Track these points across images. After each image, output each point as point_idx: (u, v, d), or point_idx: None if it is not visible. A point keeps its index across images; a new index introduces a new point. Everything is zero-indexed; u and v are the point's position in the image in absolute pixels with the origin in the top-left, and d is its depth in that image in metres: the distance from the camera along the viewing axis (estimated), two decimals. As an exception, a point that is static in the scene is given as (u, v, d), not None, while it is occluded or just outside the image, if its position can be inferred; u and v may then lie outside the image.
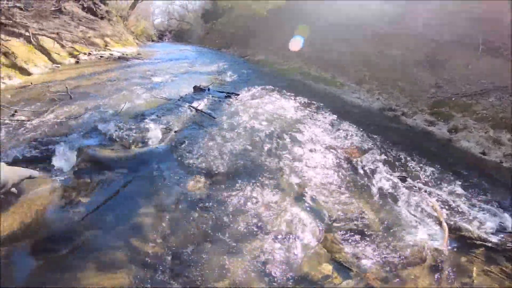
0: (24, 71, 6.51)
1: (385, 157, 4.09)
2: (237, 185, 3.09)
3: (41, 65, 7.14)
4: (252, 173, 3.33)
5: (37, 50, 7.50)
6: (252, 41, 14.75)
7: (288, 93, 6.69)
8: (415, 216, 2.95)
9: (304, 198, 3.02)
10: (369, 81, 7.80)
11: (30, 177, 2.52)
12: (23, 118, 4.08)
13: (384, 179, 3.53)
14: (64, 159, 3.27)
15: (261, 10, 15.58)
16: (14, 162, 3.07)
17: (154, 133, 4.06)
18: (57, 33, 8.98)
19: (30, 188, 2.65)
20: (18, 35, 7.49)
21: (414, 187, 3.43)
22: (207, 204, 2.75)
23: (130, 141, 3.81)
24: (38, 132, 3.68)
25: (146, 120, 4.38)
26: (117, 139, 3.79)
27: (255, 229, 2.51)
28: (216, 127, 4.40)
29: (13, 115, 4.16)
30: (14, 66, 6.49)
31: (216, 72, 9.27)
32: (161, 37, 23.53)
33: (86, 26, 11.75)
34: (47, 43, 8.16)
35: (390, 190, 3.32)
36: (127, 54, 10.84)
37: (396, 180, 3.53)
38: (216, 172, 3.28)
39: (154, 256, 2.12)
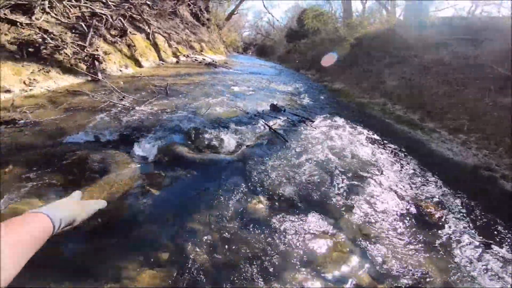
0: (137, 63, 7.74)
1: (469, 219, 3.36)
2: (297, 214, 2.90)
3: (151, 60, 8.38)
4: (315, 206, 3.10)
5: (151, 46, 8.88)
6: (332, 68, 14.48)
7: (365, 130, 6.19)
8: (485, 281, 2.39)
9: (361, 242, 2.68)
10: (467, 131, 6.62)
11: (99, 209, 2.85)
12: (127, 104, 4.76)
13: (460, 241, 2.92)
14: (147, 149, 3.65)
15: (348, 37, 15.25)
16: (107, 142, 3.57)
17: (228, 142, 4.21)
18: (169, 34, 10.48)
19: (114, 169, 3.00)
20: (141, 31, 9.00)
21: (497, 255, 2.74)
22: (263, 226, 2.63)
23: (205, 145, 4.03)
24: (134, 119, 4.23)
25: (223, 128, 4.60)
26: (195, 141, 4.05)
27: (303, 262, 2.32)
28: (287, 151, 4.31)
29: (121, 99, 4.91)
30: (131, 57, 7.79)
31: (292, 93, 9.34)
32: (245, 49, 25.31)
33: (190, 30, 13.46)
34: (159, 41, 9.58)
35: (465, 253, 2.72)
36: (216, 62, 11.90)
37: (476, 243, 2.88)
38: (279, 196, 3.15)
39: (198, 264, 2.09)
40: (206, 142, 4.11)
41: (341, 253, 2.50)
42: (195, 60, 10.83)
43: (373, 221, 3.07)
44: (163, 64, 8.72)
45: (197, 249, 2.23)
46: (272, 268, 2.21)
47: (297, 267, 2.27)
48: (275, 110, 6.40)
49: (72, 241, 2.10)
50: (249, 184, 3.30)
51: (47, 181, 2.63)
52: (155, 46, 9.19)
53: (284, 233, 2.60)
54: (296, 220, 2.81)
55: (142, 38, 8.79)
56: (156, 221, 2.48)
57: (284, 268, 2.23)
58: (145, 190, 2.83)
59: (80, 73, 5.96)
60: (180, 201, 2.81)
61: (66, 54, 5.92)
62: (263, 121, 5.40)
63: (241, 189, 3.19)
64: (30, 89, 4.91)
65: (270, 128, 5.12)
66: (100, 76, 5.92)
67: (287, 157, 4.09)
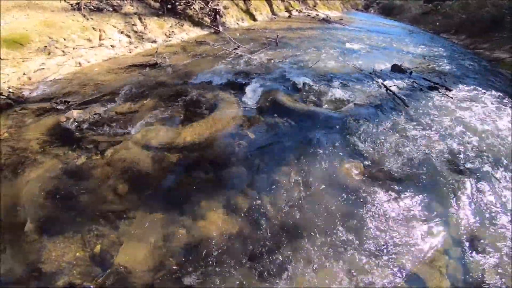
0: (252, 17, 7.94)
1: None
2: (396, 192, 2.38)
3: (264, 14, 8.42)
4: (420, 189, 2.46)
5: (265, 1, 8.86)
6: (494, 34, 10.43)
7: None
8: None
9: (466, 244, 2.01)
10: None
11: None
12: (240, 53, 4.99)
13: None
14: (252, 93, 3.75)
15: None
16: (220, 85, 3.86)
17: (333, 97, 3.82)
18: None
19: (221, 109, 3.25)
20: (257, -13, 9.02)
21: None
22: (351, 195, 2.30)
23: (309, 96, 3.80)
24: (245, 66, 4.41)
25: (330, 83, 4.18)
26: (299, 91, 3.87)
27: (383, 252, 1.92)
28: (403, 118, 3.53)
29: (235, 48, 5.19)
30: (247, 11, 8.04)
31: (426, 56, 7.44)
32: (366, 7, 21.71)
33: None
34: (274, -5, 9.40)
35: None
36: (330, 17, 10.79)
37: None
38: (380, 167, 2.65)
39: (271, 223, 2.02)
40: (310, 94, 3.86)
41: (432, 253, 1.94)
42: (308, 15, 10.16)
43: (489, 223, 2.20)
44: (275, 18, 8.62)
45: (275, 205, 2.16)
46: (344, 248, 1.90)
47: (372, 257, 1.85)
48: (398, 71, 5.29)
49: (173, 173, 2.39)
50: (348, 145, 2.92)
51: (169, 112, 3.13)
52: (268, 0, 9.09)
53: (372, 210, 2.19)
54: (392, 198, 2.31)
55: (258, -7, 8.82)
56: (244, 165, 2.54)
57: (358, 251, 1.88)
58: (242, 132, 2.97)
59: (205, 26, 6.64)
60: (271, 149, 2.79)
61: (195, 9, 6.66)
62: (380, 80, 4.57)
63: (338, 149, 2.86)
64: (169, 40, 5.87)
65: (387, 89, 4.29)
66: (220, 28, 6.42)
67: (401, 124, 3.35)
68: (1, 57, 3.81)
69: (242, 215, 2.05)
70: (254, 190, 2.26)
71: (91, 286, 1.61)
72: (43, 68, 4.14)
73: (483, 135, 3.34)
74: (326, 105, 3.67)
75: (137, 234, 1.88)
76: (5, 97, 3.24)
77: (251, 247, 1.84)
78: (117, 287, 1.62)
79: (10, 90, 3.53)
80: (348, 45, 6.77)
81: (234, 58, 4.71)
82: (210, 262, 1.74)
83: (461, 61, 7.55)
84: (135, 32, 5.46)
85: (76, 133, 2.74)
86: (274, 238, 1.91)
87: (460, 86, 5.06)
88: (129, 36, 5.33)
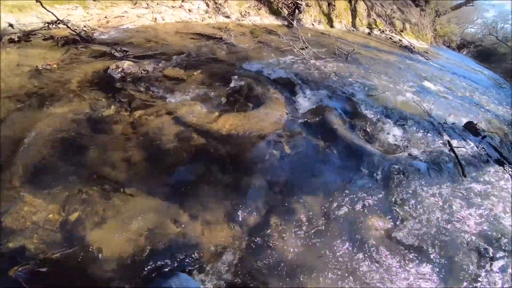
0: (330, 22, 7.47)
1: None
2: (415, 264, 1.92)
3: (344, 23, 7.88)
4: (439, 267, 1.96)
5: (349, 10, 8.27)
6: None
7: None
8: None
9: None
10: None
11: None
12: (306, 55, 4.65)
13: None
14: (304, 102, 3.41)
15: None
16: (273, 80, 3.58)
17: (389, 138, 3.35)
18: (373, 3, 9.36)
19: (266, 107, 3.01)
20: (348, -7, 8.45)
21: None
22: (366, 252, 1.92)
23: (360, 126, 3.37)
24: (306, 69, 4.09)
25: (392, 120, 3.67)
26: (351, 117, 3.46)
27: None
28: (455, 188, 2.97)
29: (302, 48, 4.85)
30: (327, 15, 7.57)
31: (508, 120, 6.34)
32: (460, 47, 19.47)
33: (398, 7, 11.48)
34: (360, 8, 8.75)
35: None
36: (414, 47, 9.78)
37: None
38: (408, 232, 2.23)
39: (273, 250, 1.77)
40: (365, 124, 3.42)
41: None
42: (390, 38, 9.31)
43: None
44: (353, 31, 8.02)
45: (282, 236, 1.86)
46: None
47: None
48: (471, 130, 4.50)
49: (192, 159, 2.19)
50: (384, 198, 2.48)
51: (214, 92, 2.95)
52: (354, 11, 8.49)
53: (383, 275, 1.81)
54: (408, 269, 1.90)
55: (345, 1, 8.28)
56: (268, 179, 2.26)
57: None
58: (279, 142, 2.67)
59: (281, 16, 6.39)
60: (302, 173, 2.44)
61: (277, -3, 6.43)
62: (447, 136, 3.91)
63: (372, 197, 2.43)
64: (242, 19, 5.75)
65: (451, 148, 3.64)
66: (295, 23, 6.12)
67: (450, 194, 2.79)
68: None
69: (244, 235, 1.81)
70: (267, 212, 2.00)
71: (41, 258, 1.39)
72: (123, 16, 4.30)
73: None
74: (377, 144, 3.22)
75: (124, 215, 1.70)
76: (75, 33, 3.38)
77: (240, 274, 1.59)
78: (72, 266, 1.42)
79: (84, 28, 3.69)
80: (425, 83, 6.00)
81: (297, 58, 4.40)
82: (189, 270, 1.53)
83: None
84: (215, 2, 5.44)
85: (118, 83, 2.72)
86: (271, 274, 1.64)
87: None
88: (207, 5, 5.33)
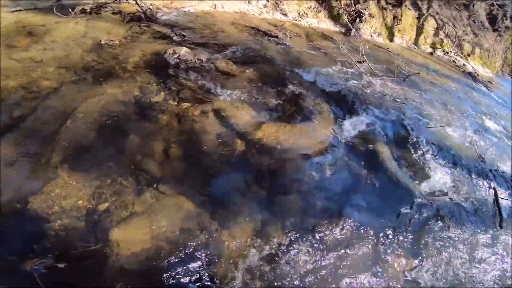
0: (390, 36, 6.97)
1: None
2: None
3: (405, 39, 7.33)
4: None
5: (415, 27, 7.64)
6: None
7: None
8: None
9: None
10: None
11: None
12: (362, 70, 4.36)
13: None
14: (353, 126, 3.16)
15: None
16: (322, 92, 3.39)
17: (433, 179, 3.04)
18: (444, 23, 8.56)
19: (314, 122, 2.86)
20: (417, 8, 7.81)
21: None
22: None
23: (409, 164, 3.09)
24: (359, 86, 3.84)
25: (441, 160, 3.32)
26: (400, 151, 3.19)
27: None
28: (488, 239, 2.65)
29: (360, 62, 4.54)
30: (388, 29, 7.07)
31: None
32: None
33: (472, 29, 10.40)
34: (428, 25, 8.05)
35: None
36: (478, 74, 8.85)
37: None
38: (430, 277, 1.97)
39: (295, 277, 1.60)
40: (410, 158, 3.14)
41: None
42: (453, 61, 8.49)
43: None
44: (414, 48, 7.44)
45: (305, 265, 1.73)
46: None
47: None
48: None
49: (230, 165, 2.12)
50: (414, 238, 2.25)
51: (263, 95, 2.81)
52: (420, 28, 7.82)
53: None
54: None
55: (412, 15, 7.65)
56: (305, 201, 2.13)
57: None
58: (321, 164, 2.47)
59: (339, 23, 6.07)
60: (340, 202, 2.25)
61: (340, 2, 6.10)
62: (494, 184, 3.49)
63: (401, 236, 2.21)
64: (299, 20, 5.55)
65: (495, 197, 3.25)
66: (353, 32, 5.78)
67: (482, 244, 2.53)
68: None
69: (269, 256, 1.70)
70: (296, 235, 1.89)
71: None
72: (185, -2, 4.34)
73: None
74: (421, 183, 2.95)
75: (153, 213, 1.64)
76: (142, 10, 3.47)
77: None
78: (90, 264, 1.35)
79: (150, 7, 3.79)
80: (485, 121, 5.38)
81: (352, 71, 4.14)
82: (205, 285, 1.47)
83: None
84: (275, -1, 5.32)
85: (171, 69, 2.73)
86: None
87: None
88: (268, 0, 5.23)
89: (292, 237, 1.84)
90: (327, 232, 1.97)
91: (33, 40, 2.49)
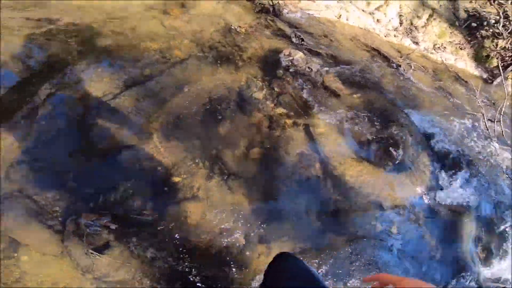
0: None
1: None
2: None
3: None
4: None
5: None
6: None
7: None
8: None
9: None
10: None
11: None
12: (489, 128, 3.49)
13: None
14: (451, 190, 2.61)
15: None
16: None
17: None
18: None
19: (411, 175, 2.46)
20: None
21: None
22: None
23: (485, 242, 2.39)
24: (474, 148, 3.11)
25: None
26: (487, 226, 2.48)
27: None
28: None
29: (491, 121, 3.66)
30: None
31: None
32: None
33: None
34: None
35: None
36: None
37: None
38: None
39: None
40: (489, 243, 2.43)
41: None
42: None
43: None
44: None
45: None
46: None
47: None
48: None
49: (308, 192, 2.02)
50: None
51: (359, 128, 2.55)
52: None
53: None
54: None
55: None
56: (350, 246, 1.90)
57: None
58: (392, 218, 2.13)
59: (483, 66, 4.99)
60: (382, 259, 1.96)
61: (495, 43, 4.96)
62: None
63: None
64: (432, 52, 4.79)
65: None
66: (498, 81, 4.68)
67: None
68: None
69: None
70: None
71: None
72: (314, 0, 4.26)
73: None
74: (487, 269, 2.28)
75: (211, 204, 1.65)
76: (272, 3, 3.56)
77: None
78: (137, 234, 1.40)
79: (280, 1, 3.85)
80: None
81: (477, 129, 3.37)
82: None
83: None
84: (411, 23, 4.70)
85: (280, 70, 2.72)
86: None
87: None
88: (401, 23, 4.66)
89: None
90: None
91: (183, 11, 2.83)
